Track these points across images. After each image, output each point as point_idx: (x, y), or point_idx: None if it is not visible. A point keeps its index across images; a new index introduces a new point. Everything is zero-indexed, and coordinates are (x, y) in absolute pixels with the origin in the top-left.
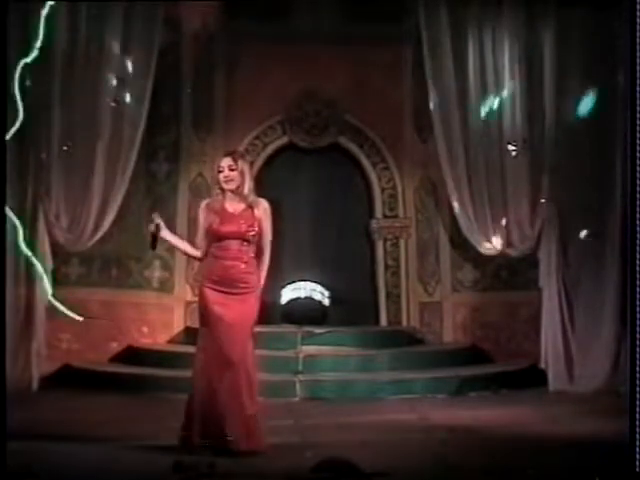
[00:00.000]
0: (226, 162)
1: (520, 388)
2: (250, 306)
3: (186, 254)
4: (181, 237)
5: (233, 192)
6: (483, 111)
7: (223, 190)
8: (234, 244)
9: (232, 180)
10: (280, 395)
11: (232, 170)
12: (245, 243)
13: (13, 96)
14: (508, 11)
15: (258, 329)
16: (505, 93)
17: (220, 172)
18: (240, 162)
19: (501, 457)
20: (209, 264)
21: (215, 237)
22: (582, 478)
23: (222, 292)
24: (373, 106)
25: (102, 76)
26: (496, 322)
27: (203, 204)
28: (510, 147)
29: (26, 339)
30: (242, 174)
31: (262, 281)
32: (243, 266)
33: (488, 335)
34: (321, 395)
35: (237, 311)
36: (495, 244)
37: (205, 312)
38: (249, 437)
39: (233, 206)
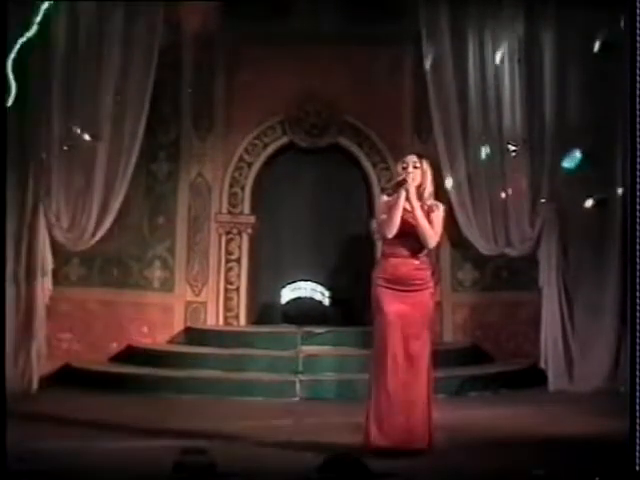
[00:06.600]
0: (411, 159)
1: (520, 388)
2: (425, 302)
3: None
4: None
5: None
6: (483, 111)
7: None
8: (406, 242)
9: (414, 179)
10: (280, 395)
11: (415, 168)
12: (418, 241)
13: (13, 95)
14: (508, 11)
15: (258, 329)
16: (505, 93)
17: (404, 168)
18: (424, 162)
19: (501, 457)
20: (382, 263)
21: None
22: (582, 478)
23: (396, 290)
24: (373, 106)
25: (102, 76)
26: (496, 322)
27: (383, 199)
28: (510, 147)
29: (26, 339)
30: (424, 174)
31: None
32: (417, 263)
33: (488, 335)
34: (321, 395)
35: (412, 308)
36: (495, 244)
37: (380, 311)
38: (428, 435)
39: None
